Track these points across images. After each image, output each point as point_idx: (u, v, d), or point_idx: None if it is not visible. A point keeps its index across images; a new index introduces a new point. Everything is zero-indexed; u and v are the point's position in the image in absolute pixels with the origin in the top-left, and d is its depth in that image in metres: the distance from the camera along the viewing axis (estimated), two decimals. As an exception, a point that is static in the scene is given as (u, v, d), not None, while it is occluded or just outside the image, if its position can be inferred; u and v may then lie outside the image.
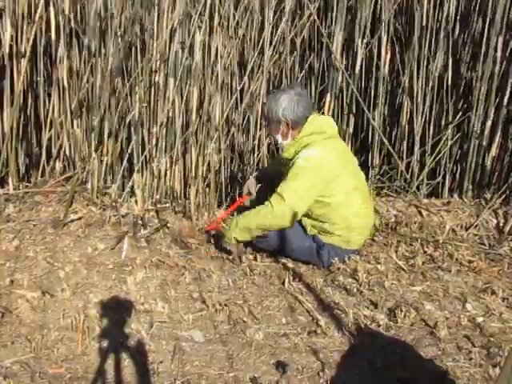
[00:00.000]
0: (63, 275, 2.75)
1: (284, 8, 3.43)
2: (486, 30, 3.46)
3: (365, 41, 3.62)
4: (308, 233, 2.95)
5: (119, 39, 3.18)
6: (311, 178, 2.80)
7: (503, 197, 3.50)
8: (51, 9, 3.19)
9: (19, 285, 2.66)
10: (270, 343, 2.38)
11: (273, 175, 3.12)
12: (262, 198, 3.02)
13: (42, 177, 3.50)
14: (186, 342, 2.37)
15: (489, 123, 3.56)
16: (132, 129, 3.32)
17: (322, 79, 3.90)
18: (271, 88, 3.63)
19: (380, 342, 2.37)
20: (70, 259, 2.87)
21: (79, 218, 3.18)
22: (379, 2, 3.61)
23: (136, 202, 3.30)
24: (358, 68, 3.66)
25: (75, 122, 3.43)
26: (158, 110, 3.32)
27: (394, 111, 3.93)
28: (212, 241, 3.16)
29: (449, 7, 3.53)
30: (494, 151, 3.60)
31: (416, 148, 3.73)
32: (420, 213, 3.44)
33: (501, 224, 3.35)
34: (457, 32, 3.66)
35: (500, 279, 2.87)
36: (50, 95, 3.45)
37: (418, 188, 3.73)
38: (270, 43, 3.42)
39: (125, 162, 3.37)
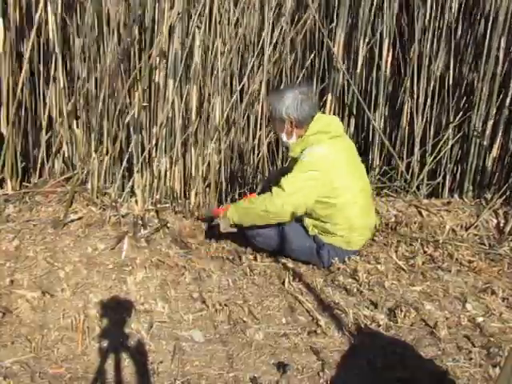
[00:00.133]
0: (63, 275, 2.75)
1: (284, 7, 3.43)
2: (488, 30, 3.46)
3: (366, 40, 3.62)
4: (309, 233, 2.95)
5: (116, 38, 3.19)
6: (313, 173, 2.80)
7: (504, 197, 3.49)
8: (49, 8, 3.19)
9: (19, 285, 2.66)
10: (270, 343, 2.38)
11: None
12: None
13: (41, 177, 3.50)
14: (186, 342, 2.37)
15: (490, 123, 3.56)
16: (131, 129, 3.32)
17: (323, 79, 3.90)
18: (271, 88, 3.63)
19: (380, 342, 2.37)
20: (70, 259, 2.87)
21: (79, 218, 3.19)
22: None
23: (136, 202, 3.31)
24: (359, 68, 3.66)
25: (75, 122, 3.43)
26: (157, 109, 3.32)
27: (395, 111, 3.93)
28: (213, 241, 3.16)
29: (451, 7, 3.53)
30: (495, 152, 3.60)
31: (416, 148, 3.73)
32: (420, 213, 3.44)
33: (501, 224, 3.35)
34: (459, 32, 3.66)
35: (500, 279, 2.87)
36: (49, 95, 3.45)
37: (418, 188, 3.73)
38: (270, 43, 3.42)
39: (125, 162, 3.37)
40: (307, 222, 2.95)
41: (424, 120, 3.71)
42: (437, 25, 3.56)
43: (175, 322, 2.50)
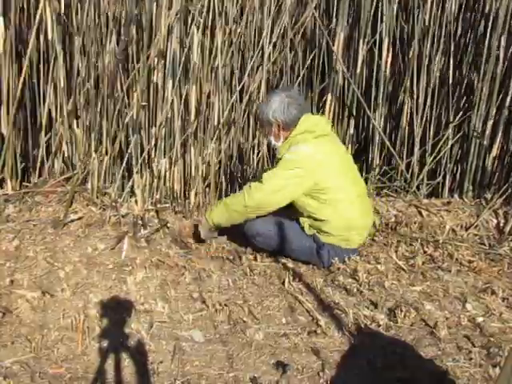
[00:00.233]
0: (63, 275, 2.75)
1: (284, 5, 3.42)
2: (488, 29, 3.46)
3: (366, 40, 3.62)
4: (306, 232, 2.95)
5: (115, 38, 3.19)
6: (297, 170, 2.81)
7: (504, 197, 3.49)
8: (47, 8, 3.19)
9: (19, 285, 2.66)
10: (270, 343, 2.38)
11: None
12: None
13: (41, 177, 3.50)
14: (186, 342, 2.37)
15: (490, 123, 3.56)
16: (131, 129, 3.32)
17: (323, 79, 3.90)
18: (271, 87, 3.63)
19: (380, 342, 2.37)
20: (70, 259, 2.87)
21: (79, 218, 3.19)
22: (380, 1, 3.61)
23: (136, 202, 3.31)
24: (359, 68, 3.66)
25: (75, 121, 3.43)
26: (157, 110, 3.32)
27: (395, 111, 3.93)
28: (213, 242, 3.16)
29: (451, 7, 3.53)
30: (494, 151, 3.60)
31: (416, 148, 3.73)
32: (420, 213, 3.44)
33: (501, 224, 3.35)
34: (459, 32, 3.66)
35: (500, 279, 2.87)
36: (49, 95, 3.45)
37: (418, 188, 3.73)
38: (270, 42, 3.42)
39: (124, 162, 3.37)
40: (302, 221, 2.95)
41: (424, 120, 3.71)
42: (437, 24, 3.56)
43: (175, 322, 2.50)
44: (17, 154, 3.46)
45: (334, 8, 3.62)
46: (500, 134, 3.57)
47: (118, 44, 3.20)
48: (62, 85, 3.36)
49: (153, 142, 3.33)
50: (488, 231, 3.32)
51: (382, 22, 3.57)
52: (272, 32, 3.41)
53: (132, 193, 3.38)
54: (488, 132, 3.58)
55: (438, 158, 3.74)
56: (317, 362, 2.26)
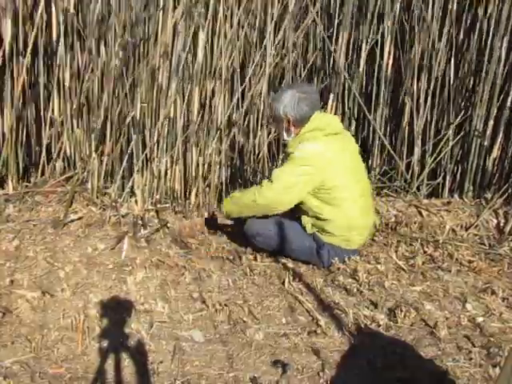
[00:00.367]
0: (63, 275, 2.75)
1: (287, 8, 3.43)
2: (491, 30, 3.46)
3: (367, 40, 3.62)
4: (307, 231, 2.95)
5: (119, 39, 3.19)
6: (306, 168, 2.81)
7: (504, 197, 3.50)
8: (53, 8, 3.19)
9: (19, 285, 2.66)
10: (270, 343, 2.38)
11: None
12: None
13: (42, 177, 3.50)
14: (186, 342, 2.37)
15: (491, 123, 3.56)
16: (132, 128, 3.32)
17: (324, 79, 3.90)
18: (272, 89, 3.63)
19: (380, 342, 2.37)
20: (70, 259, 2.87)
21: (79, 218, 3.19)
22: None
23: (136, 202, 3.31)
24: (360, 69, 3.66)
25: (75, 121, 3.43)
26: (159, 109, 3.32)
27: (395, 111, 3.93)
28: (213, 242, 3.16)
29: (452, 7, 3.53)
30: (495, 152, 3.60)
31: (416, 148, 3.73)
32: (420, 213, 3.44)
33: (501, 224, 3.35)
34: (460, 32, 3.66)
35: (500, 279, 2.87)
36: (50, 95, 3.45)
37: (418, 188, 3.73)
38: (273, 43, 3.42)
39: (125, 162, 3.37)
40: (305, 220, 2.95)
41: (424, 120, 3.71)
42: (438, 25, 3.56)
43: (175, 322, 2.50)
44: (18, 154, 3.46)
45: (336, 9, 3.62)
46: (501, 134, 3.57)
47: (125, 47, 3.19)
48: (63, 84, 3.36)
49: (154, 140, 3.33)
50: (488, 231, 3.32)
51: (383, 22, 3.57)
52: (275, 33, 3.41)
53: (132, 193, 3.38)
54: (489, 132, 3.58)
55: (439, 158, 3.73)
56: (317, 362, 2.26)
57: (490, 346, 2.33)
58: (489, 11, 3.49)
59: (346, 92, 3.76)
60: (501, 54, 3.45)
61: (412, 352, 2.31)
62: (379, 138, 3.75)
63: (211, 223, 3.25)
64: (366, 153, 3.92)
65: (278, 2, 3.37)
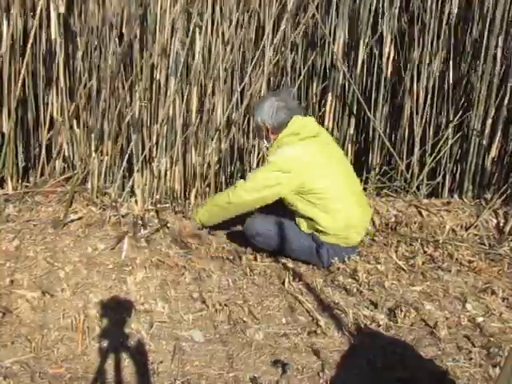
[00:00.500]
0: (63, 275, 2.74)
1: (285, 7, 3.42)
2: (486, 29, 3.46)
3: (367, 40, 3.62)
4: (304, 231, 2.95)
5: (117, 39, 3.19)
6: (276, 171, 2.86)
7: (503, 197, 3.50)
8: (51, 8, 3.19)
9: (19, 285, 2.66)
10: (270, 343, 2.38)
11: None
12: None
13: (41, 177, 3.50)
14: (186, 342, 2.37)
15: (489, 123, 3.56)
16: (132, 128, 3.32)
17: (324, 78, 3.90)
18: (272, 88, 3.63)
19: (380, 342, 2.37)
20: (70, 259, 2.87)
21: (79, 218, 3.19)
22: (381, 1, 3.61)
23: (136, 201, 3.31)
24: (359, 68, 3.66)
25: (75, 121, 3.43)
26: (158, 109, 3.32)
27: (395, 111, 3.93)
28: (213, 242, 3.16)
29: (450, 7, 3.53)
30: (494, 151, 3.60)
31: (416, 148, 3.73)
32: (420, 213, 3.44)
33: (501, 224, 3.35)
34: (458, 32, 3.66)
35: (500, 279, 2.87)
36: (49, 94, 3.45)
37: (418, 188, 3.73)
38: (271, 43, 3.42)
39: (125, 161, 3.37)
40: (298, 221, 2.96)
41: (424, 120, 3.71)
42: (437, 24, 3.56)
43: (175, 322, 2.50)
44: (18, 154, 3.46)
45: (335, 8, 3.62)
46: (499, 133, 3.57)
47: (120, 43, 3.19)
48: (63, 84, 3.36)
49: (154, 141, 3.33)
50: (488, 231, 3.32)
51: (382, 21, 3.57)
52: (274, 32, 3.41)
53: (132, 193, 3.38)
54: (487, 131, 3.58)
55: (438, 157, 3.74)
56: (317, 362, 2.26)
57: (490, 346, 2.33)
58: (484, 10, 3.49)
59: (346, 92, 3.76)
60: (496, 53, 3.45)
61: (412, 352, 2.31)
62: (379, 137, 3.75)
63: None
64: (365, 153, 3.92)
65: (277, 0, 3.37)
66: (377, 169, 3.83)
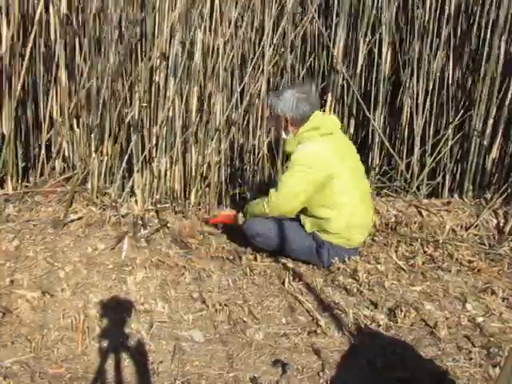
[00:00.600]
0: (63, 275, 2.74)
1: (285, 8, 3.43)
2: (489, 29, 3.46)
3: (366, 40, 3.62)
4: (307, 230, 2.95)
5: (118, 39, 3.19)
6: (304, 169, 2.83)
7: (503, 197, 3.49)
8: (51, 9, 3.19)
9: (19, 285, 2.66)
10: (270, 343, 2.38)
11: None
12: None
13: (41, 177, 3.50)
14: (186, 342, 2.37)
15: (490, 123, 3.56)
16: (131, 129, 3.32)
17: (323, 79, 3.90)
18: (271, 88, 3.63)
19: (380, 342, 2.37)
20: (70, 259, 2.87)
21: (79, 218, 3.19)
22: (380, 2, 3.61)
23: (136, 202, 3.31)
24: (359, 68, 3.66)
25: (75, 121, 3.43)
26: (158, 109, 3.32)
27: (395, 111, 3.93)
28: (213, 242, 3.16)
29: (450, 6, 3.53)
30: (494, 151, 3.60)
31: (416, 148, 3.73)
32: (420, 213, 3.44)
33: (501, 224, 3.35)
34: (458, 31, 3.66)
35: (500, 279, 2.87)
36: (49, 95, 3.45)
37: (418, 188, 3.73)
38: (271, 44, 3.42)
39: (125, 162, 3.37)
40: (303, 219, 2.95)
41: (424, 120, 3.71)
42: (436, 24, 3.56)
43: (175, 322, 2.50)
44: (17, 154, 3.46)
45: (334, 8, 3.62)
46: (500, 133, 3.57)
47: (120, 44, 3.19)
48: (64, 84, 3.36)
49: (154, 142, 3.33)
50: (488, 231, 3.32)
51: (381, 22, 3.58)
52: (273, 33, 3.41)
53: (132, 193, 3.38)
54: (488, 132, 3.58)
55: (438, 158, 3.73)
56: (317, 362, 2.26)
57: (490, 346, 2.33)
58: (485, 10, 3.49)
59: (345, 92, 3.76)
60: (499, 53, 3.45)
61: (412, 352, 2.31)
62: (379, 137, 3.75)
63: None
64: (365, 153, 3.92)
65: (276, 1, 3.37)
66: (377, 169, 3.83)
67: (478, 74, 3.56)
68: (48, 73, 3.47)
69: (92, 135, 3.36)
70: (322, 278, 2.86)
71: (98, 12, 3.23)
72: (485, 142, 3.60)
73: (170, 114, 3.30)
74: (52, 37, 3.28)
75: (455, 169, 3.81)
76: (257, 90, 3.48)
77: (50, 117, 3.45)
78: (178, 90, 3.26)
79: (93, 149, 3.37)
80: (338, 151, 2.91)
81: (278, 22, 3.46)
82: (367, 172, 3.82)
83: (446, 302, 2.66)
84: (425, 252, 3.09)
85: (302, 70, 3.78)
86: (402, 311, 2.52)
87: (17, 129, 3.42)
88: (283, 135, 2.99)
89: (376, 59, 3.73)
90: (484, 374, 2.19)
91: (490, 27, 3.46)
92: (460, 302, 2.67)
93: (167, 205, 3.39)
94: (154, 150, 3.37)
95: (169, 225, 3.23)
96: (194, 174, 3.41)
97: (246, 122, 3.58)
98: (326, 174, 2.83)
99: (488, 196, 3.57)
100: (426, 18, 3.56)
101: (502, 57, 3.46)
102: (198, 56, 3.22)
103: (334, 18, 3.63)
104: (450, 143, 3.71)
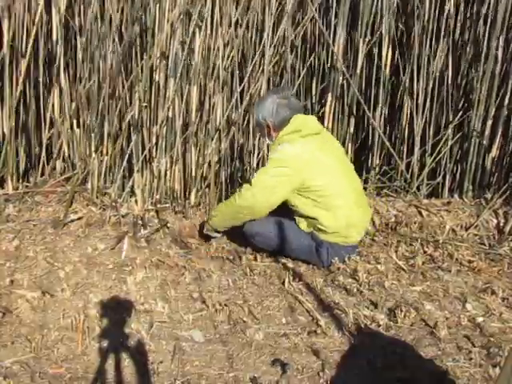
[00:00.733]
0: (63, 275, 2.75)
1: (285, 8, 3.43)
2: (487, 29, 3.46)
3: (366, 40, 3.62)
4: (304, 230, 2.95)
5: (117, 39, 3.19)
6: (282, 169, 2.83)
7: (504, 197, 3.50)
8: (53, 8, 3.20)
9: (19, 285, 2.66)
10: (270, 343, 2.38)
11: None
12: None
13: (41, 177, 3.50)
14: (186, 342, 2.37)
15: (489, 123, 3.56)
16: (132, 129, 3.32)
17: (323, 79, 3.90)
18: (271, 88, 3.63)
19: (380, 342, 2.37)
20: (70, 259, 2.87)
21: (79, 218, 3.19)
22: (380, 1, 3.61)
23: (136, 201, 3.31)
24: (358, 68, 3.66)
25: (75, 121, 3.43)
26: (158, 109, 3.32)
27: (395, 111, 3.93)
28: (213, 242, 3.16)
29: (449, 7, 3.53)
30: (494, 151, 3.60)
31: (416, 148, 3.73)
32: (420, 213, 3.44)
33: (501, 224, 3.35)
34: (457, 32, 3.66)
35: (500, 279, 2.87)
36: (50, 95, 3.45)
37: (418, 188, 3.73)
38: (271, 44, 3.42)
39: (125, 161, 3.37)
40: (298, 220, 2.96)
41: (424, 120, 3.71)
42: (435, 24, 3.56)
43: (175, 322, 2.50)
44: (18, 154, 3.46)
45: (334, 8, 3.62)
46: (499, 133, 3.57)
47: (120, 44, 3.19)
48: (64, 85, 3.36)
49: (154, 142, 3.33)
50: (488, 231, 3.32)
51: (381, 21, 3.58)
52: (273, 33, 3.41)
53: (132, 193, 3.38)
54: (487, 132, 3.58)
55: (438, 158, 3.74)
56: (317, 362, 2.26)
57: (490, 345, 2.33)
58: (484, 11, 3.49)
59: (346, 92, 3.76)
60: (498, 53, 3.45)
61: (412, 352, 2.31)
62: (379, 137, 3.75)
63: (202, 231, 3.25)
64: (365, 153, 3.92)
65: (276, 0, 3.37)
66: (377, 169, 3.83)
67: (477, 73, 3.55)
68: (48, 72, 3.47)
69: (92, 135, 3.36)
70: (322, 277, 2.86)
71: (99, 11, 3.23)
72: (484, 142, 3.60)
73: (170, 113, 3.30)
74: (54, 37, 3.27)
75: (455, 169, 3.82)
76: (257, 90, 3.47)
77: (51, 116, 3.45)
78: (178, 89, 3.26)
79: (93, 149, 3.37)
80: (323, 150, 2.90)
81: (278, 22, 3.46)
82: (367, 172, 3.83)
83: (446, 302, 2.66)
84: (425, 252, 3.09)
85: (303, 69, 3.78)
86: (402, 311, 2.52)
87: (17, 128, 3.41)
88: (267, 141, 3.03)
89: (376, 59, 3.73)
90: (484, 374, 2.19)
91: (488, 26, 3.46)
92: (460, 302, 2.67)
93: (167, 205, 3.39)
94: (154, 150, 3.37)
95: (169, 225, 3.23)
96: (193, 174, 3.41)
97: (246, 122, 3.58)
98: (305, 175, 2.82)
99: (488, 196, 3.57)
100: (426, 17, 3.55)
101: (500, 57, 3.46)
102: (197, 56, 3.22)
103: (334, 16, 3.63)
104: (449, 143, 3.71)
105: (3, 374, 2.13)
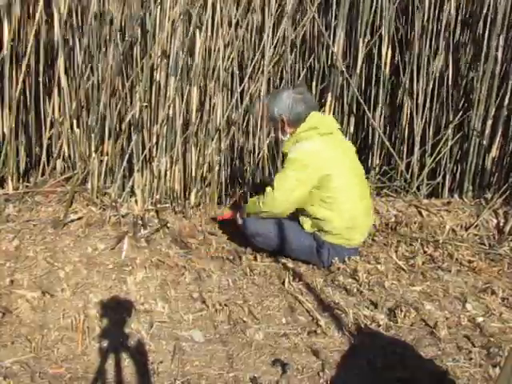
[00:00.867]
0: (63, 275, 2.74)
1: (285, 8, 3.43)
2: (487, 29, 3.46)
3: (366, 40, 3.62)
4: (307, 230, 2.95)
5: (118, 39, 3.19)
6: (301, 168, 2.82)
7: (504, 197, 3.50)
8: (54, 8, 3.20)
9: (19, 285, 2.66)
10: (270, 343, 2.38)
11: None
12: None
13: (42, 177, 3.50)
14: (186, 342, 2.37)
15: (489, 123, 3.56)
16: (132, 128, 3.32)
17: (323, 79, 3.90)
18: (271, 88, 3.63)
19: (380, 342, 2.37)
20: (70, 259, 2.87)
21: (79, 218, 3.18)
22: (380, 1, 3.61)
23: (136, 201, 3.31)
24: (358, 68, 3.66)
25: (75, 121, 3.43)
26: (158, 109, 3.32)
27: (395, 111, 3.93)
28: (213, 242, 3.16)
29: (449, 7, 3.53)
30: (494, 151, 3.60)
31: (416, 148, 3.73)
32: (420, 213, 3.44)
33: (501, 224, 3.35)
34: (458, 32, 3.66)
35: (500, 279, 2.87)
36: (50, 95, 3.45)
37: (418, 188, 3.73)
38: (271, 44, 3.42)
39: (125, 161, 3.37)
40: (302, 220, 2.95)
41: (423, 120, 3.71)
42: (435, 24, 3.56)
43: (175, 322, 2.50)
44: (18, 154, 3.46)
45: (334, 8, 3.62)
46: (499, 133, 3.57)
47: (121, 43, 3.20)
48: (64, 84, 3.36)
49: (154, 141, 3.33)
50: (488, 231, 3.32)
51: (381, 22, 3.58)
52: (273, 33, 3.41)
53: (132, 193, 3.38)
54: (487, 132, 3.58)
55: (438, 158, 3.74)
56: (317, 362, 2.26)
57: (490, 346, 2.33)
58: (484, 10, 3.50)
59: (346, 91, 3.76)
60: (497, 53, 3.45)
61: (412, 352, 2.31)
62: (379, 137, 3.75)
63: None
64: (365, 153, 3.92)
65: (276, 1, 3.37)
66: (377, 169, 3.83)
67: (477, 73, 3.56)
68: (49, 72, 3.46)
69: (92, 135, 3.36)
70: (322, 277, 2.86)
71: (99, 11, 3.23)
72: (484, 142, 3.60)
73: (171, 113, 3.30)
74: (55, 37, 3.27)
75: (455, 169, 3.82)
76: (257, 90, 3.47)
77: (51, 117, 3.44)
78: (178, 89, 3.26)
79: (93, 149, 3.37)
80: (338, 151, 2.90)
81: (279, 21, 3.46)
82: (367, 172, 3.83)
83: (446, 302, 2.66)
84: (425, 252, 3.09)
85: (303, 69, 3.78)
86: (402, 311, 2.52)
87: (17, 128, 3.41)
88: (281, 137, 3.00)
89: (375, 59, 3.73)
90: (484, 374, 2.19)
91: (488, 26, 3.46)
92: (460, 301, 2.67)
93: (167, 205, 3.39)
94: (155, 150, 3.37)
95: (169, 225, 3.23)
96: (194, 174, 3.40)
97: (245, 121, 3.58)
98: (322, 173, 2.81)
99: (488, 196, 3.57)
100: (425, 17, 3.56)
101: (500, 57, 3.46)
102: (198, 56, 3.22)
103: (334, 17, 3.63)
104: (449, 143, 3.72)
105: (3, 373, 2.13)
